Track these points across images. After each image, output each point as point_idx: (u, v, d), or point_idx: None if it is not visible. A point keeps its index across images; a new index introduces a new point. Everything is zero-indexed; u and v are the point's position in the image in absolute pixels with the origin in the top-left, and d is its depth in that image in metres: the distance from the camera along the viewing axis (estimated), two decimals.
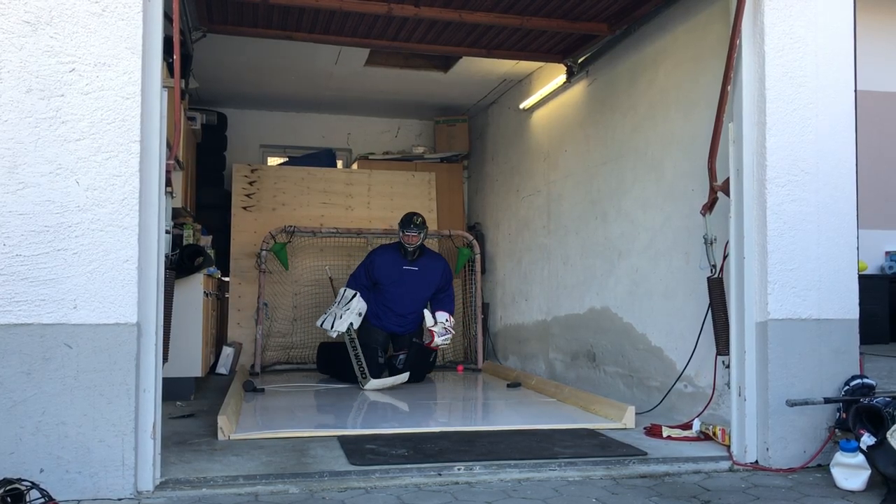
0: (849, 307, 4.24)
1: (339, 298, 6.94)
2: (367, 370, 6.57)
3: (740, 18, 4.18)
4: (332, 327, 6.72)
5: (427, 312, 7.06)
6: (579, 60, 6.83)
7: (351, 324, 6.68)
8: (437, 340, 6.93)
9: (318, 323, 6.82)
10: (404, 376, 6.68)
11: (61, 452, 3.35)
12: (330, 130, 9.78)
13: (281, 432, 4.63)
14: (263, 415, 5.44)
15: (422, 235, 7.05)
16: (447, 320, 7.07)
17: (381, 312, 7.09)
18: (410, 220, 7.04)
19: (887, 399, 3.86)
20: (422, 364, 7.00)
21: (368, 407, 5.86)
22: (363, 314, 6.83)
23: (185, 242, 6.33)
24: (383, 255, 7.18)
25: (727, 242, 4.34)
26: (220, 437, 4.50)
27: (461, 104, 9.23)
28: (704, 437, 4.57)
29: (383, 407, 5.89)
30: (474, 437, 4.60)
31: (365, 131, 9.86)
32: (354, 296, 6.84)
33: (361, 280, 7.08)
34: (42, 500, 3.16)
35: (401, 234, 7.06)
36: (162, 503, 3.40)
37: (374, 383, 6.50)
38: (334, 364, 7.11)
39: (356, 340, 6.68)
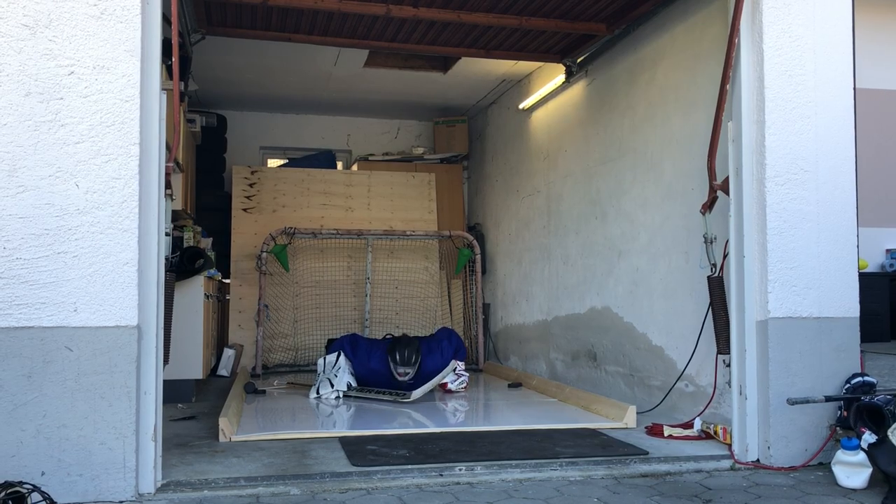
0: (849, 305, 4.24)
1: (322, 367, 6.43)
2: (396, 391, 6.08)
3: (739, 18, 4.18)
4: (332, 388, 6.16)
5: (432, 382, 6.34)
6: (578, 60, 6.83)
7: (349, 383, 6.22)
8: (452, 387, 6.47)
9: (312, 395, 6.18)
10: (443, 375, 6.30)
11: (62, 455, 3.35)
12: (329, 132, 9.79)
13: (282, 434, 4.63)
14: (264, 416, 5.44)
15: (415, 369, 6.23)
16: (456, 369, 6.53)
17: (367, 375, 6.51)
18: (402, 357, 6.19)
19: (888, 397, 3.87)
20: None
21: (369, 408, 5.85)
22: (354, 373, 6.35)
23: (185, 245, 6.34)
24: (373, 354, 6.39)
25: (727, 241, 4.34)
26: (221, 438, 4.50)
27: (460, 105, 9.24)
28: (706, 435, 4.57)
29: (384, 408, 5.88)
30: (475, 437, 4.60)
31: (364, 132, 9.87)
32: (339, 356, 6.36)
33: (342, 345, 6.52)
34: (43, 502, 3.17)
35: (392, 366, 6.22)
36: None
37: (415, 394, 5.98)
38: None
39: (365, 388, 6.24)
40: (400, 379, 6.17)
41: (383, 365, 6.27)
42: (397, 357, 6.19)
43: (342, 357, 6.42)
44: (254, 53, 7.18)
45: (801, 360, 4.12)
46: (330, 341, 7.24)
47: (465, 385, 6.60)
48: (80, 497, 3.35)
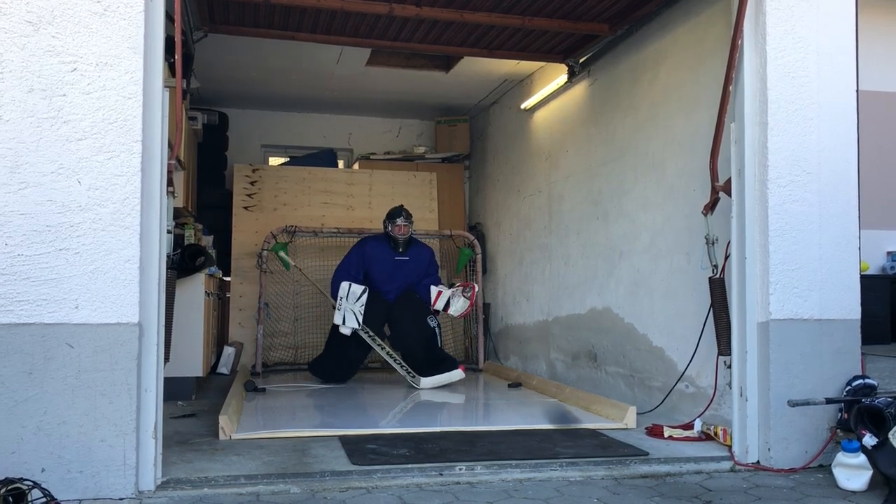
0: (850, 307, 4.24)
1: (345, 294, 6.79)
2: (410, 368, 6.65)
3: (742, 18, 4.18)
4: (343, 322, 6.69)
5: (432, 287, 7.09)
6: (580, 60, 6.83)
7: (365, 324, 6.71)
8: (465, 298, 7.00)
9: (337, 320, 6.75)
10: (457, 374, 6.73)
11: (63, 452, 3.35)
12: (331, 130, 9.78)
13: (282, 432, 4.63)
14: (265, 415, 5.43)
15: (411, 228, 7.15)
16: (444, 290, 7.15)
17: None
18: (400, 212, 7.10)
19: (889, 399, 3.86)
20: (411, 333, 7.02)
21: (370, 407, 5.85)
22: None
23: (186, 242, 6.34)
24: (375, 246, 7.15)
25: (728, 243, 4.34)
26: (222, 436, 4.50)
27: (462, 104, 9.23)
28: (706, 437, 4.57)
29: (384, 407, 5.89)
30: (476, 437, 4.60)
31: (366, 131, 9.86)
32: (364, 291, 6.77)
33: (352, 272, 6.99)
34: (43, 499, 3.16)
35: (389, 226, 7.11)
36: (163, 503, 3.41)
37: (425, 382, 6.55)
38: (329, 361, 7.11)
39: (376, 339, 6.73)
40: (400, 237, 7.01)
41: (385, 247, 7.12)
42: (399, 215, 7.05)
43: (365, 293, 6.77)
44: (256, 52, 7.17)
45: (801, 362, 4.12)
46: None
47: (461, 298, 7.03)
48: (80, 494, 3.35)
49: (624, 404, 5.11)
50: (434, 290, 7.09)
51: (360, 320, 6.71)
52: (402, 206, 7.26)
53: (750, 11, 4.19)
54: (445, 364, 6.82)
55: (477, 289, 7.15)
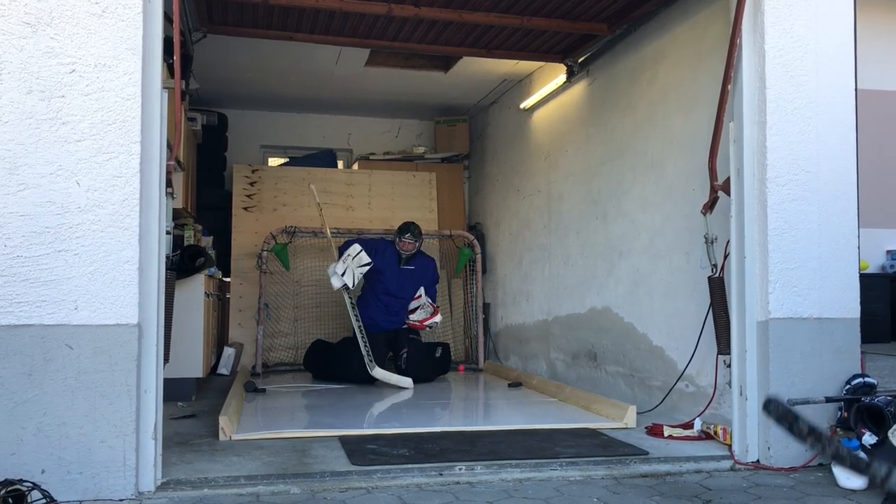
0: (850, 306, 4.24)
1: (354, 253, 6.91)
2: (372, 354, 6.75)
3: (740, 18, 4.18)
4: (342, 273, 6.82)
5: (422, 289, 7.27)
6: (579, 60, 6.83)
7: (351, 297, 6.86)
8: (420, 312, 7.16)
9: (337, 270, 6.92)
10: (409, 381, 6.75)
11: (62, 453, 3.35)
12: (330, 131, 9.78)
13: (282, 433, 4.63)
14: (264, 415, 5.44)
15: (417, 245, 7.22)
16: (423, 297, 7.25)
17: (370, 306, 7.13)
18: (408, 229, 7.18)
19: (888, 398, 3.87)
20: (424, 363, 7.02)
21: (369, 407, 5.86)
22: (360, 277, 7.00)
23: (185, 243, 6.34)
24: (385, 249, 7.25)
25: (728, 242, 4.34)
26: (222, 437, 4.50)
27: (461, 104, 9.23)
28: (706, 436, 4.57)
29: (384, 407, 5.89)
30: (476, 437, 4.60)
31: (365, 132, 9.85)
32: (369, 264, 6.90)
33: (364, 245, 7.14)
34: (43, 500, 3.17)
35: (397, 240, 7.20)
36: None
37: (379, 372, 6.69)
38: (327, 364, 7.16)
39: (358, 316, 6.84)
40: (404, 252, 7.10)
41: (391, 254, 7.21)
42: (406, 232, 7.11)
43: (370, 268, 6.95)
44: (255, 52, 7.17)
45: (801, 361, 4.12)
46: (314, 343, 7.60)
47: (427, 315, 7.17)
48: (80, 495, 3.35)
49: (624, 404, 5.11)
50: (421, 291, 7.24)
51: (354, 283, 6.87)
52: (413, 223, 7.31)
53: (748, 10, 4.19)
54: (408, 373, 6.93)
55: (433, 323, 7.23)
